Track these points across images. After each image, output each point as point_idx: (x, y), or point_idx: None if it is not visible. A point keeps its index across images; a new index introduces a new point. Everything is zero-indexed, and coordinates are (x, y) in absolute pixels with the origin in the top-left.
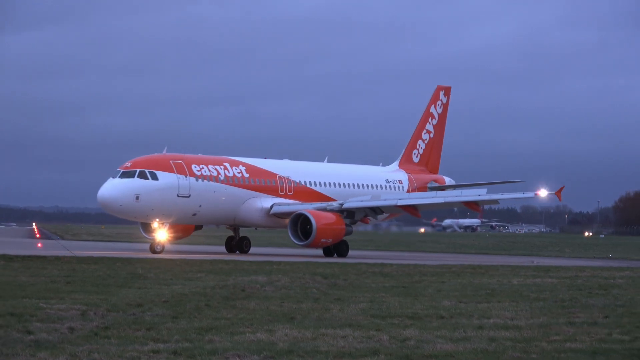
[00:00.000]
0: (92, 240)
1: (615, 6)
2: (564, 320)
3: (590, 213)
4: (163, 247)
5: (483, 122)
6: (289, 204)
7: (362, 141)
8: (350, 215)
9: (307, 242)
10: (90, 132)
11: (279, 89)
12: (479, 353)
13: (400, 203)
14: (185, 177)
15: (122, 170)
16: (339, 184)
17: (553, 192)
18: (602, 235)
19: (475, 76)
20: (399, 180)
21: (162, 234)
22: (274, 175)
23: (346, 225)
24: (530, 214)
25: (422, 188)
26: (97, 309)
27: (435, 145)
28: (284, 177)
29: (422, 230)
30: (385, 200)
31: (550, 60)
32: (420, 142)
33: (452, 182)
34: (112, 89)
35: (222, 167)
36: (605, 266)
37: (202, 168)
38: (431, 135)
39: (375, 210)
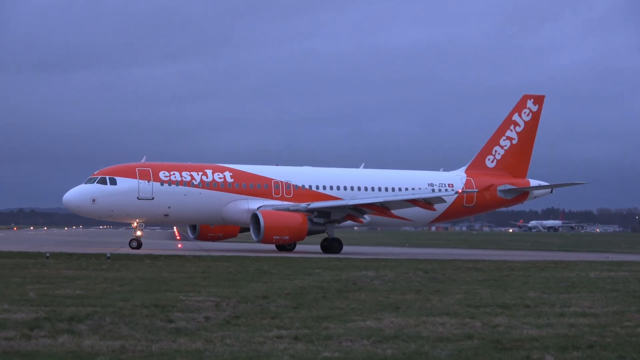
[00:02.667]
0: (224, 241)
1: None
2: (635, 308)
3: None
4: (138, 242)
5: (560, 135)
6: (274, 205)
7: (452, 150)
8: (323, 215)
9: (259, 238)
10: (222, 148)
11: (383, 110)
12: (560, 337)
13: (350, 203)
14: (148, 182)
15: (89, 177)
16: (353, 187)
17: (477, 190)
18: None
19: (554, 96)
20: (448, 184)
21: (138, 232)
22: (267, 179)
23: (318, 224)
24: (605, 215)
25: (489, 190)
26: (229, 300)
27: (519, 151)
28: (281, 182)
29: (511, 230)
30: (344, 201)
31: (619, 82)
32: (497, 148)
33: (542, 184)
34: (241, 111)
35: (199, 173)
36: None
37: (173, 174)
38: (513, 141)
39: (359, 210)
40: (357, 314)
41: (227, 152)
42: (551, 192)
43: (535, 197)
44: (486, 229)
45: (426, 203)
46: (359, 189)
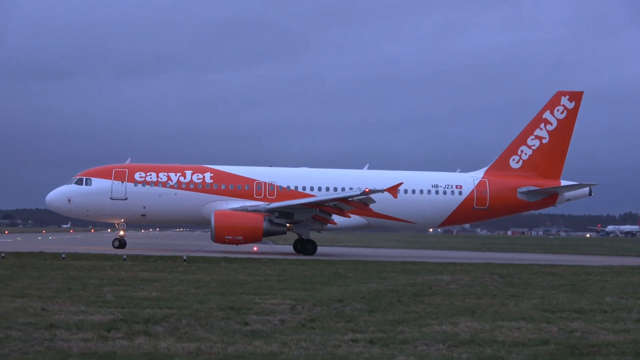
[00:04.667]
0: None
1: None
2: None
3: None
4: (119, 241)
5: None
6: (241, 207)
7: None
8: (285, 215)
9: (212, 238)
10: (296, 151)
11: (461, 114)
12: (637, 343)
13: (295, 203)
14: (122, 182)
15: (71, 178)
16: (345, 188)
17: (383, 190)
18: None
19: (630, 102)
20: (456, 185)
21: (120, 231)
22: (249, 180)
23: (279, 225)
24: None
25: (507, 192)
26: (304, 303)
27: (550, 151)
28: (264, 183)
29: (588, 235)
30: (293, 201)
31: None
32: (524, 147)
33: (571, 184)
34: (317, 115)
35: (177, 174)
36: None
37: (148, 175)
38: (544, 140)
39: (326, 212)
40: (432, 318)
41: (303, 156)
42: (590, 194)
43: (568, 199)
44: (563, 233)
45: (361, 203)
46: (351, 189)
